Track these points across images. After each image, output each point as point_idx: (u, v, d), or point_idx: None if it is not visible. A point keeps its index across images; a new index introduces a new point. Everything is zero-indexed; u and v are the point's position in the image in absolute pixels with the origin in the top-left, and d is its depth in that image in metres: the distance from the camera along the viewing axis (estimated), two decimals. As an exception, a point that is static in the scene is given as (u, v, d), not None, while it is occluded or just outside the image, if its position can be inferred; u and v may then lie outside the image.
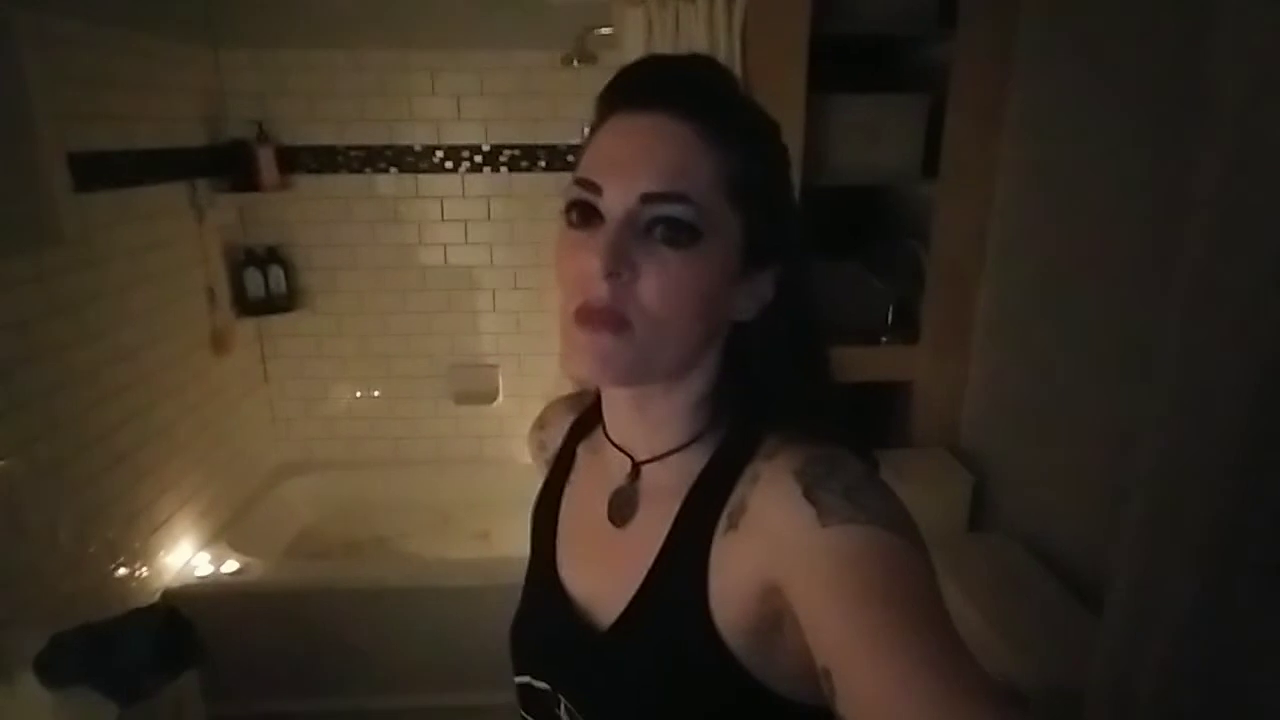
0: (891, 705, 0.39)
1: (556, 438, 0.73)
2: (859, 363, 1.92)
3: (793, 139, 1.76)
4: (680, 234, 0.51)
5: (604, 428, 0.65)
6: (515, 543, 0.73)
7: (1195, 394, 1.00)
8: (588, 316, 0.52)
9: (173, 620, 1.25)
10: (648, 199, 0.50)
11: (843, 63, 1.81)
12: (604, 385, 0.61)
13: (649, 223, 0.51)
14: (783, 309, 0.57)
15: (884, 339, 1.96)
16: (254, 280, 2.49)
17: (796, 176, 1.81)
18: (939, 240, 1.86)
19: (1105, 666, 1.16)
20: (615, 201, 0.51)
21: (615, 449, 0.63)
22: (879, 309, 1.98)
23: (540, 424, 0.76)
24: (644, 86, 0.54)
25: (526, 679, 0.65)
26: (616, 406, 0.63)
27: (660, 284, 0.51)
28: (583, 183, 0.53)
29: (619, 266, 0.50)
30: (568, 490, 0.70)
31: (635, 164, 0.51)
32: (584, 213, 0.53)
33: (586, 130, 0.58)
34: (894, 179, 1.94)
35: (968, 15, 1.71)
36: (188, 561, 2.13)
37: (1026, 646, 1.31)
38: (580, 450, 0.70)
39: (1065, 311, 1.56)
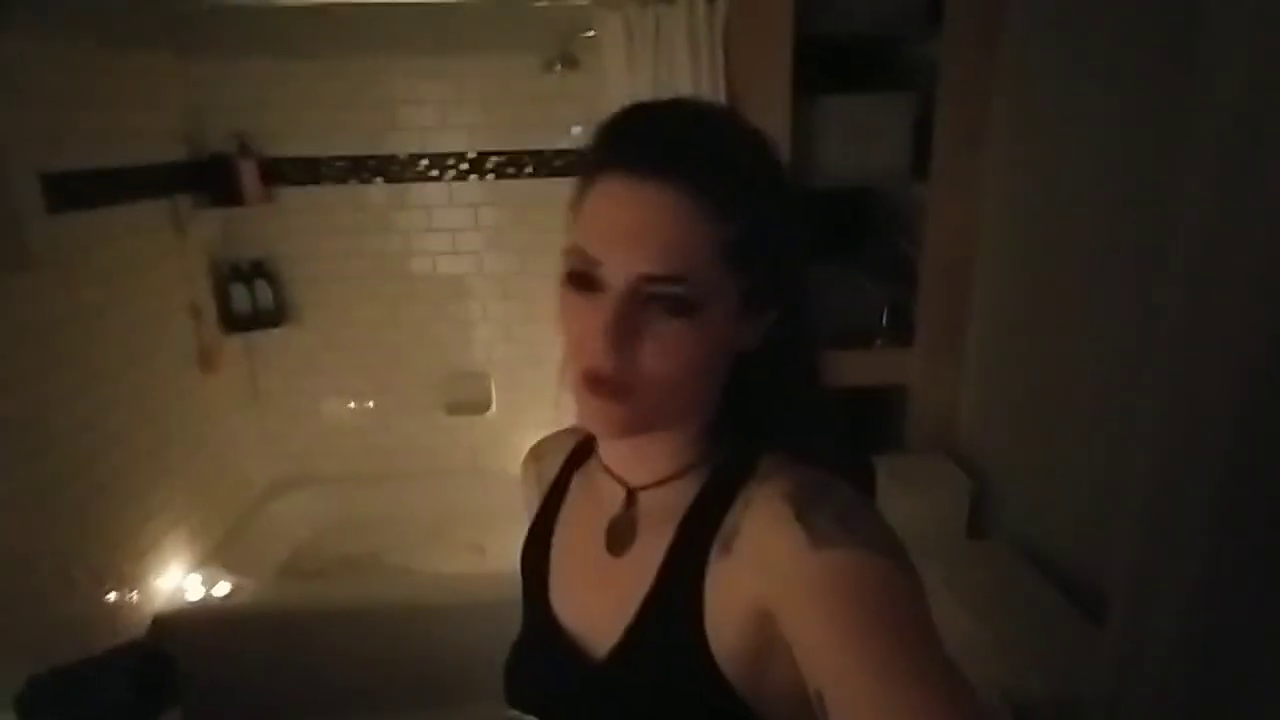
0: None
1: (553, 468, 0.72)
2: (852, 366, 1.89)
3: (779, 142, 1.72)
4: (679, 307, 0.51)
5: (599, 455, 0.65)
6: (510, 556, 0.73)
7: (1189, 398, 0.98)
8: (596, 386, 0.53)
9: (152, 657, 1.22)
10: (646, 280, 0.51)
11: (828, 63, 1.78)
12: (613, 440, 0.62)
13: (648, 297, 0.51)
14: (786, 336, 0.58)
15: (877, 342, 1.93)
16: (240, 295, 2.45)
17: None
18: (931, 240, 1.83)
19: (1105, 678, 1.13)
20: (615, 274, 0.51)
21: (610, 476, 0.63)
22: (872, 311, 1.94)
23: (537, 455, 0.75)
24: (640, 149, 0.52)
25: (518, 714, 0.64)
26: (614, 441, 0.63)
27: (661, 353, 0.52)
28: (580, 255, 0.53)
29: (622, 340, 0.51)
30: (560, 521, 0.69)
31: (633, 241, 0.50)
32: (583, 281, 0.53)
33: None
34: (884, 179, 1.91)
35: (953, 12, 1.67)
36: (179, 584, 2.10)
37: (1026, 658, 1.29)
38: (575, 479, 0.70)
39: (1063, 311, 1.52)
